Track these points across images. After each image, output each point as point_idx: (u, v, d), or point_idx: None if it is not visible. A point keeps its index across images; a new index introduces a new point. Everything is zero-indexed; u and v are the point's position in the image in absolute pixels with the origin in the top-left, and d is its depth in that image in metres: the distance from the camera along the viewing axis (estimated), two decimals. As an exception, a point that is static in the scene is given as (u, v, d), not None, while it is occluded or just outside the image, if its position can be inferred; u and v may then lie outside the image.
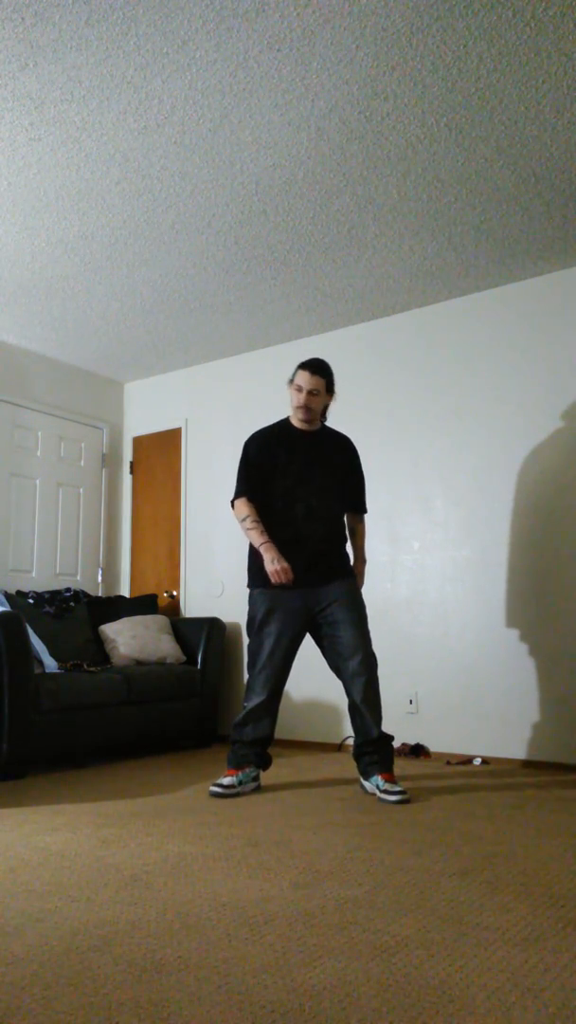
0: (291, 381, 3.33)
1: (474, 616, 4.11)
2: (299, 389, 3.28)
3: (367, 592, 4.42)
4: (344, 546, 3.40)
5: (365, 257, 3.91)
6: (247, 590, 3.37)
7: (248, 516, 3.26)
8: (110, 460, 5.68)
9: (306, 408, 3.29)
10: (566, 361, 3.99)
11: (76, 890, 1.98)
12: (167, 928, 1.70)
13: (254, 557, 3.30)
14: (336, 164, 3.14)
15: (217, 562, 5.15)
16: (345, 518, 3.47)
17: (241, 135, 2.95)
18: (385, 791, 3.03)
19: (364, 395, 4.66)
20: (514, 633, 3.98)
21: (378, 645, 4.30)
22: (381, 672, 4.27)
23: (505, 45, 2.51)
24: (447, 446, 4.32)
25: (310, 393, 3.27)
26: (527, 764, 3.84)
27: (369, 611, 4.39)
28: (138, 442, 5.73)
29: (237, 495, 3.32)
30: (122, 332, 4.85)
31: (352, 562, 3.43)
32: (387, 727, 4.11)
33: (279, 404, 4.49)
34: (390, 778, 3.10)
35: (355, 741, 3.24)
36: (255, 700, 3.24)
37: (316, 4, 2.34)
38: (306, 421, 3.34)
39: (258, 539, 3.22)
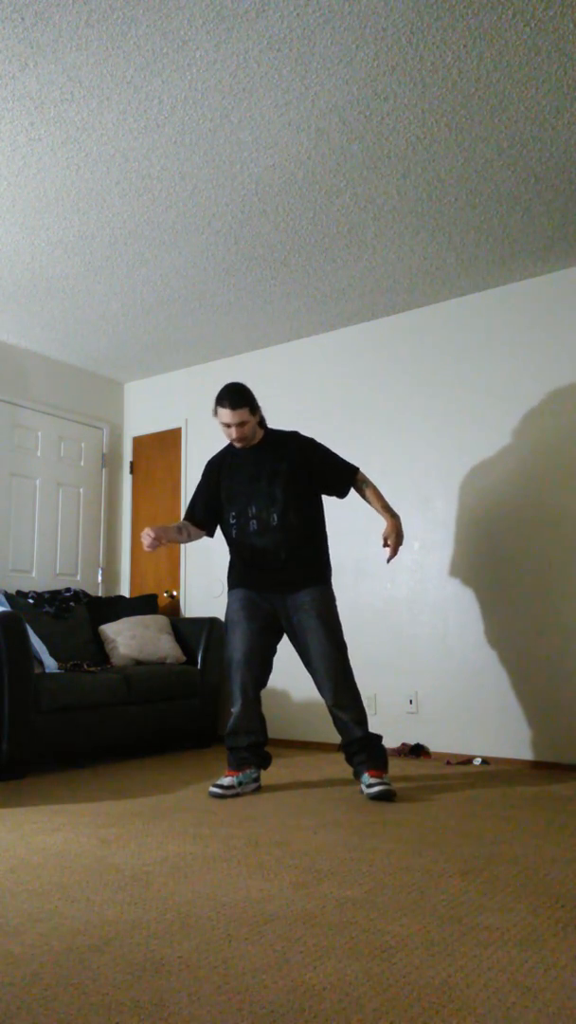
0: (215, 414, 3.28)
1: (474, 616, 4.11)
2: (225, 425, 3.26)
3: (367, 592, 4.43)
4: (312, 551, 3.30)
5: (365, 257, 3.91)
6: None
7: (182, 521, 3.49)
8: (110, 460, 5.68)
9: (240, 439, 3.30)
10: (566, 361, 3.99)
11: (76, 890, 1.98)
12: (167, 928, 1.70)
13: (233, 562, 3.40)
14: (336, 164, 3.14)
15: (217, 562, 5.14)
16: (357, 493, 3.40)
17: (241, 135, 2.95)
18: (368, 785, 3.05)
19: (364, 395, 4.66)
20: (514, 633, 3.98)
21: (378, 645, 4.33)
22: (381, 672, 4.29)
23: (505, 45, 2.51)
24: (447, 446, 4.32)
25: (238, 426, 3.25)
26: (527, 764, 3.84)
27: (369, 611, 4.41)
28: (138, 442, 5.73)
29: (185, 516, 3.52)
30: (122, 332, 4.85)
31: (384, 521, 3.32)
32: (387, 727, 4.12)
33: (279, 404, 4.49)
34: (376, 774, 3.10)
35: (341, 742, 3.27)
36: (238, 704, 3.27)
37: (316, 4, 2.34)
38: (243, 446, 3.34)
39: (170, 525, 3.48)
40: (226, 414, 3.23)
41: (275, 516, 3.25)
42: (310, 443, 3.40)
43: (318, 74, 2.63)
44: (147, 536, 3.24)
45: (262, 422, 3.38)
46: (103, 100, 2.76)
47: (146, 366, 5.46)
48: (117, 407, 5.78)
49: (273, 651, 3.36)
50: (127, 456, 5.77)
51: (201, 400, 5.40)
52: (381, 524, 4.44)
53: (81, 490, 5.46)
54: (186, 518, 3.49)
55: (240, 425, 3.24)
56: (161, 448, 5.59)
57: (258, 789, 3.27)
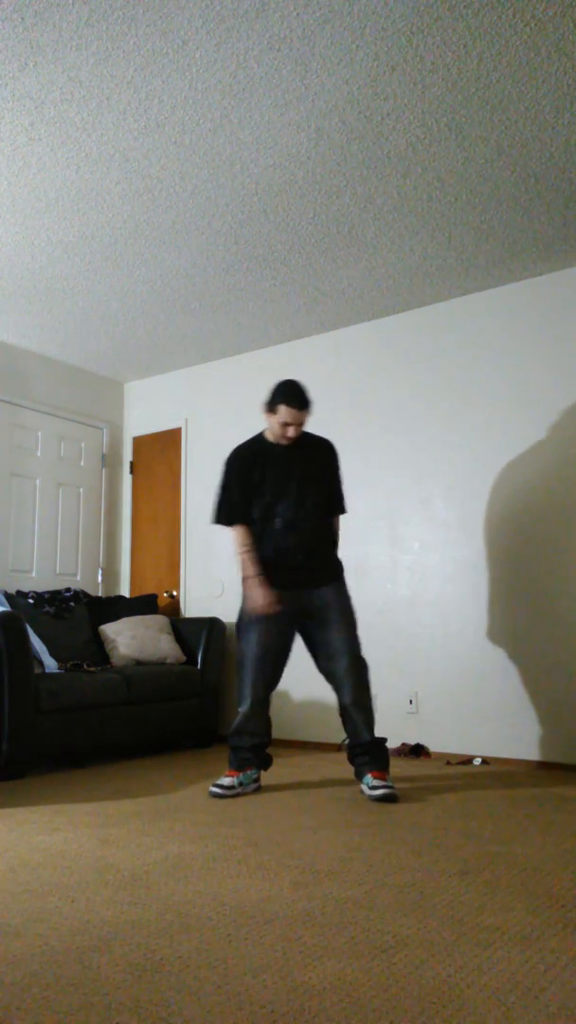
0: (271, 409, 3.26)
1: (474, 616, 4.11)
2: (284, 424, 3.23)
3: (367, 592, 4.42)
4: (333, 550, 3.39)
5: (365, 257, 3.91)
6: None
7: (244, 545, 3.30)
8: (110, 460, 5.68)
9: (292, 438, 3.29)
10: (566, 361, 3.99)
11: (76, 890, 1.98)
12: (167, 928, 1.70)
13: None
14: (336, 164, 3.14)
15: (217, 562, 5.15)
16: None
17: (241, 135, 2.95)
18: (372, 787, 3.05)
19: (364, 395, 4.66)
20: (514, 633, 3.98)
21: (378, 645, 4.32)
22: (381, 672, 4.29)
23: (505, 45, 2.51)
24: (447, 446, 4.32)
25: (296, 426, 3.25)
26: (527, 764, 3.84)
27: (369, 611, 4.41)
28: (138, 442, 5.73)
29: (229, 521, 3.34)
30: (122, 332, 4.85)
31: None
32: (387, 727, 4.12)
33: (279, 404, 4.49)
34: (379, 775, 3.10)
35: (348, 743, 3.27)
36: (246, 704, 3.26)
37: (316, 4, 2.34)
38: (287, 444, 3.34)
39: (248, 570, 3.27)
40: (292, 414, 3.21)
41: (302, 515, 3.27)
42: (337, 455, 3.48)
43: (318, 74, 2.63)
44: (268, 608, 3.20)
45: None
46: (103, 100, 2.76)
47: (146, 366, 5.46)
48: (117, 407, 5.78)
49: (287, 654, 3.33)
50: (127, 456, 5.77)
51: (201, 400, 5.40)
52: (381, 525, 4.47)
53: (81, 490, 5.46)
54: (237, 521, 3.32)
55: (299, 426, 3.26)
56: (161, 448, 5.59)
57: (258, 790, 3.27)
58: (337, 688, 3.22)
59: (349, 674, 3.19)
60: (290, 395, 3.22)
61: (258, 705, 3.25)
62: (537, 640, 3.91)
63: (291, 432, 3.26)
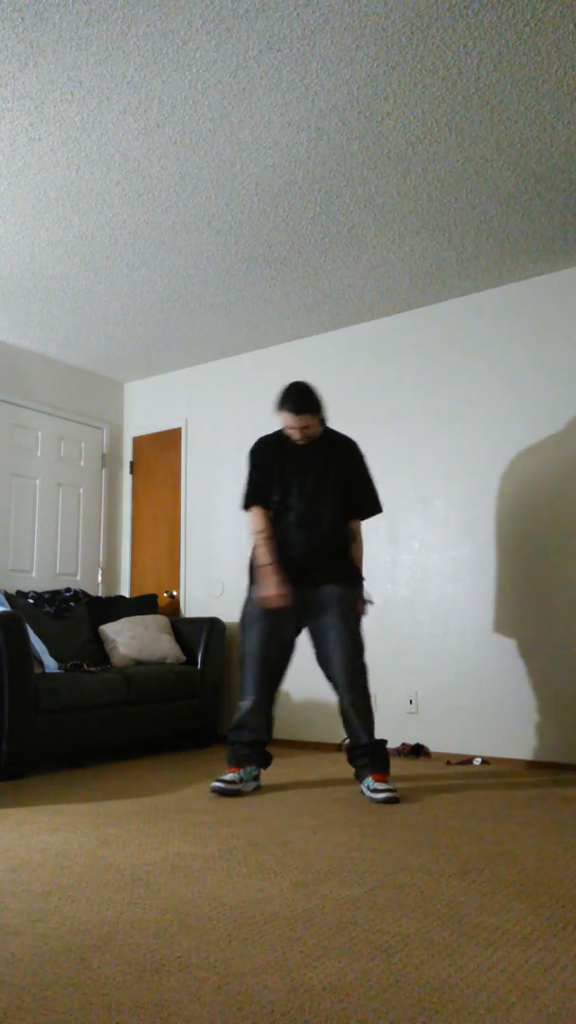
0: (279, 411, 3.26)
1: (474, 616, 4.11)
2: (291, 429, 3.26)
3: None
4: (344, 551, 3.32)
5: (365, 257, 3.91)
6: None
7: (261, 531, 3.29)
8: (110, 460, 5.68)
9: (303, 439, 3.29)
10: (566, 361, 3.99)
11: (76, 890, 1.98)
12: (167, 928, 1.70)
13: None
14: (336, 164, 3.13)
15: (217, 562, 5.15)
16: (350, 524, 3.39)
17: (241, 135, 2.95)
18: (373, 789, 3.04)
19: (364, 395, 4.66)
20: (514, 633, 3.98)
21: (378, 645, 4.32)
22: (381, 672, 4.29)
23: (505, 45, 2.51)
24: (447, 446, 4.32)
25: (302, 430, 3.24)
26: (527, 764, 3.84)
27: (369, 611, 4.41)
28: (138, 442, 5.73)
29: (248, 504, 3.35)
30: (122, 332, 4.85)
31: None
32: (387, 727, 4.12)
33: (279, 404, 4.49)
34: (380, 778, 3.09)
35: (348, 743, 3.26)
36: (247, 700, 3.26)
37: (316, 4, 2.34)
38: (306, 443, 3.32)
39: (264, 558, 3.24)
40: (291, 419, 3.21)
41: (313, 512, 3.26)
42: (360, 455, 3.42)
43: (318, 74, 2.63)
44: (281, 599, 3.18)
45: (325, 419, 3.37)
46: (103, 100, 2.76)
47: (146, 366, 5.46)
48: (117, 407, 5.78)
49: (291, 653, 3.33)
50: (127, 456, 5.77)
51: (201, 400, 5.40)
52: (381, 525, 4.46)
53: (81, 490, 5.46)
54: (255, 504, 3.32)
55: (303, 429, 3.24)
56: (161, 448, 5.59)
57: (258, 789, 3.27)
58: (336, 689, 3.22)
59: (347, 677, 3.18)
60: (289, 400, 3.21)
61: (259, 702, 3.25)
62: (537, 640, 3.90)
63: (297, 436, 3.26)
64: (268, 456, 3.36)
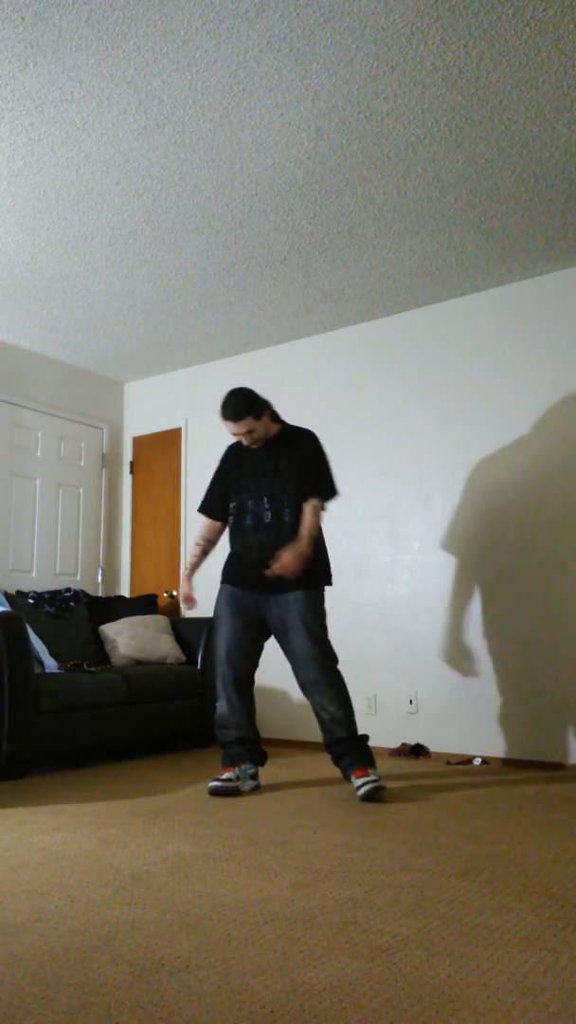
0: (222, 421, 3.28)
1: (474, 616, 4.11)
2: (236, 435, 3.31)
3: (367, 592, 4.42)
4: (309, 554, 3.19)
5: (365, 257, 3.91)
6: None
7: (197, 537, 3.55)
8: (110, 460, 5.68)
9: (252, 443, 3.31)
10: (566, 361, 3.99)
11: (76, 890, 1.98)
12: (167, 928, 1.70)
13: (228, 556, 3.42)
14: (336, 164, 3.13)
15: (217, 562, 5.13)
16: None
17: (241, 135, 2.95)
18: (358, 787, 3.03)
19: (364, 395, 4.66)
20: (514, 632, 3.98)
21: (378, 645, 4.33)
22: (381, 672, 4.29)
23: (505, 45, 2.51)
24: (447, 446, 4.32)
25: (246, 435, 3.27)
26: (527, 764, 3.84)
27: (369, 611, 4.41)
28: (138, 442, 5.73)
29: (200, 510, 3.56)
30: (122, 332, 4.85)
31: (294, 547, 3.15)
32: (387, 727, 4.13)
33: (279, 404, 4.48)
34: (362, 772, 3.07)
35: (324, 742, 3.22)
36: (222, 698, 3.31)
37: (316, 4, 2.34)
38: (258, 446, 3.34)
39: (188, 562, 3.53)
40: (230, 426, 3.26)
41: (269, 514, 3.26)
42: (313, 445, 3.34)
43: (318, 74, 2.63)
44: (187, 602, 3.47)
45: (276, 417, 3.37)
46: (103, 100, 2.76)
47: (146, 366, 5.46)
48: (117, 407, 5.78)
49: (259, 647, 3.36)
50: (127, 456, 5.77)
51: (201, 400, 5.40)
52: (381, 525, 4.46)
53: (81, 490, 5.46)
54: (203, 511, 3.52)
55: (248, 433, 3.26)
56: (161, 448, 5.59)
57: (257, 788, 3.27)
58: (305, 693, 3.22)
59: (316, 680, 3.17)
60: (226, 408, 3.23)
61: (233, 700, 3.28)
62: (537, 639, 3.90)
63: (246, 441, 3.31)
64: (228, 463, 3.46)
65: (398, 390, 4.54)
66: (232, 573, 3.37)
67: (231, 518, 3.37)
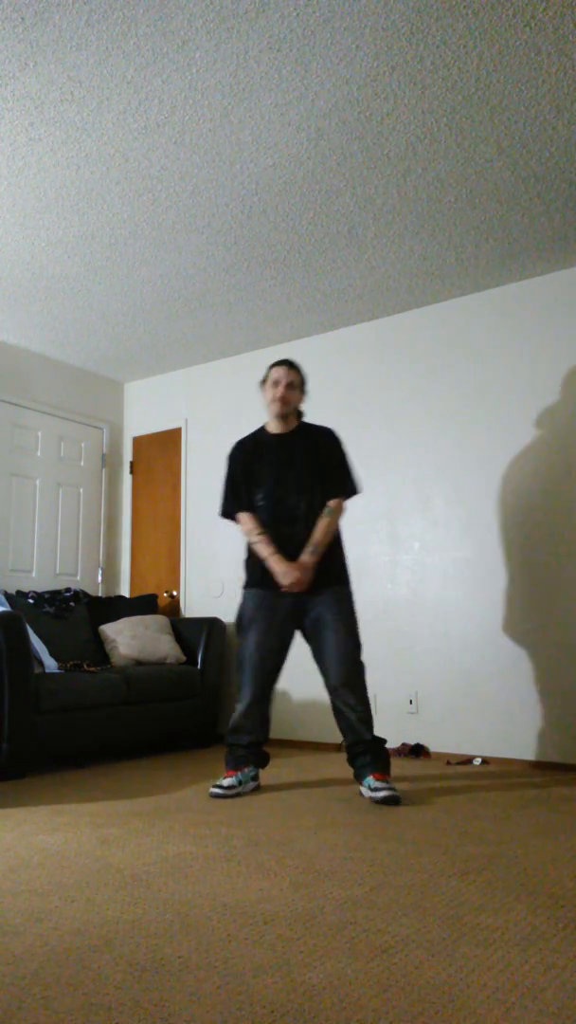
0: (264, 381, 3.38)
1: (474, 616, 4.11)
2: (275, 384, 3.32)
3: (367, 592, 4.42)
4: (333, 549, 3.28)
5: (365, 257, 3.91)
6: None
7: (252, 530, 3.29)
8: (110, 460, 5.68)
9: (283, 400, 3.30)
10: (566, 360, 3.99)
11: (76, 890, 1.98)
12: (167, 928, 1.70)
13: (251, 558, 3.33)
14: (336, 164, 3.13)
15: (217, 562, 5.15)
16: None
17: (241, 135, 2.95)
18: (374, 788, 3.02)
19: (364, 395, 4.66)
20: (514, 633, 3.98)
21: (378, 645, 4.32)
22: (381, 672, 4.29)
23: (505, 45, 2.51)
24: (447, 446, 4.32)
25: (288, 386, 3.31)
26: (527, 764, 3.84)
27: (369, 611, 4.41)
28: (138, 442, 5.73)
29: (231, 512, 3.38)
30: (122, 332, 4.85)
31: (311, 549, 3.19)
32: (387, 727, 4.12)
33: (279, 404, 4.49)
34: (381, 777, 3.07)
35: (345, 743, 3.23)
36: (244, 702, 3.26)
37: (316, 4, 2.34)
38: (282, 415, 3.33)
39: (266, 550, 3.23)
40: (280, 371, 3.33)
41: (302, 505, 3.24)
42: (336, 440, 3.38)
43: (318, 74, 2.63)
44: (299, 584, 3.15)
45: (299, 413, 3.43)
46: (103, 100, 2.76)
47: (146, 366, 5.46)
48: (117, 407, 5.78)
49: (286, 654, 3.32)
50: (127, 456, 5.77)
51: (201, 400, 5.40)
52: (381, 525, 4.46)
53: (81, 490, 5.46)
54: (241, 510, 3.33)
55: (288, 385, 3.30)
56: (161, 448, 5.59)
57: (257, 788, 3.27)
58: (332, 692, 3.21)
59: (340, 673, 3.16)
60: (280, 360, 3.40)
61: (255, 704, 3.25)
62: (538, 639, 3.90)
63: (280, 391, 3.30)
64: (246, 458, 3.39)
65: (398, 390, 4.54)
66: (259, 576, 3.28)
67: (258, 510, 3.29)
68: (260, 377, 3.39)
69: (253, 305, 4.47)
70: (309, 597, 3.23)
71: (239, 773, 3.20)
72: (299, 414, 3.45)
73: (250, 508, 3.32)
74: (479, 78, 2.66)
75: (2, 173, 3.17)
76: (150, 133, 2.94)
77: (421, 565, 4.33)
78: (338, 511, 3.30)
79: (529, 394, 4.07)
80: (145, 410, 5.70)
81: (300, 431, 3.39)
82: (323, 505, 3.26)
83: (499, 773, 3.66)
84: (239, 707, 3.27)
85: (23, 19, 2.39)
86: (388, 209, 3.47)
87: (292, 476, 3.28)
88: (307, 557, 3.19)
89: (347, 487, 3.33)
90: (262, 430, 3.44)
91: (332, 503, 3.28)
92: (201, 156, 3.08)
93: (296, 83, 2.67)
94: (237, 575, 4.97)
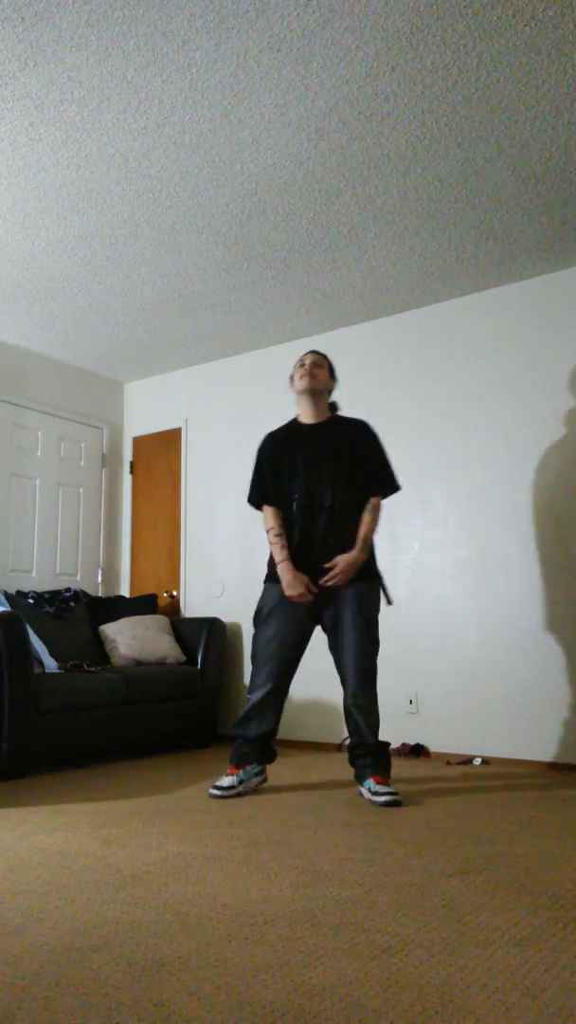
0: (292, 375, 3.43)
1: (474, 616, 4.11)
2: (302, 364, 3.36)
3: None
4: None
5: (365, 257, 3.91)
6: (249, 589, 3.37)
7: (272, 528, 3.27)
8: (110, 460, 5.68)
9: (311, 375, 3.31)
10: (566, 361, 3.99)
11: (76, 890, 1.98)
12: (167, 928, 1.70)
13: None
14: (336, 164, 3.14)
15: (217, 562, 5.15)
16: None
17: (241, 135, 2.95)
18: (375, 792, 3.00)
19: (364, 395, 4.65)
20: (514, 633, 3.98)
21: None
22: (382, 672, 4.26)
23: (505, 45, 2.51)
24: (447, 446, 4.32)
25: (314, 363, 3.33)
26: (527, 764, 3.84)
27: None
28: (138, 442, 5.73)
29: (257, 502, 3.37)
30: (122, 332, 4.85)
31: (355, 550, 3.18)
32: (387, 727, 4.12)
33: (279, 404, 4.49)
34: (382, 780, 3.06)
35: (350, 743, 3.22)
36: (258, 693, 3.21)
37: (316, 4, 2.34)
38: (311, 391, 3.31)
39: (279, 555, 3.21)
40: (310, 356, 3.37)
41: (329, 496, 3.22)
42: (372, 434, 3.36)
43: (318, 74, 2.63)
44: (301, 597, 3.14)
45: (333, 405, 3.43)
46: (103, 100, 2.76)
47: (146, 366, 5.46)
48: (117, 407, 5.78)
49: (303, 648, 3.28)
50: (127, 456, 5.77)
51: (201, 400, 5.40)
52: (381, 525, 4.44)
53: (81, 490, 5.46)
54: (265, 502, 3.31)
55: (315, 366, 3.33)
56: (161, 448, 5.59)
57: (264, 781, 3.26)
58: (344, 687, 3.20)
59: (358, 677, 3.14)
60: (311, 351, 3.46)
61: (270, 695, 3.20)
62: (538, 639, 3.90)
63: (308, 369, 3.32)
64: (278, 448, 3.35)
65: (398, 390, 4.54)
66: None
67: (287, 501, 3.27)
68: (288, 373, 3.46)
69: (253, 305, 4.47)
70: (335, 590, 3.20)
71: (240, 772, 3.18)
72: (333, 407, 3.43)
73: (275, 501, 3.31)
74: (479, 78, 2.66)
75: (2, 173, 3.18)
76: (150, 133, 2.94)
77: (421, 565, 4.33)
78: (379, 508, 3.29)
79: (529, 394, 4.08)
80: (145, 410, 5.70)
81: (334, 422, 3.37)
82: (351, 498, 3.23)
83: (499, 773, 3.66)
84: (252, 698, 3.22)
85: (23, 19, 2.39)
86: (388, 209, 3.47)
87: (324, 468, 3.25)
88: (356, 553, 3.17)
89: (385, 486, 3.31)
90: (295, 421, 3.42)
91: (374, 500, 3.27)
92: (201, 156, 3.08)
93: (296, 83, 2.67)
94: (237, 575, 4.99)
